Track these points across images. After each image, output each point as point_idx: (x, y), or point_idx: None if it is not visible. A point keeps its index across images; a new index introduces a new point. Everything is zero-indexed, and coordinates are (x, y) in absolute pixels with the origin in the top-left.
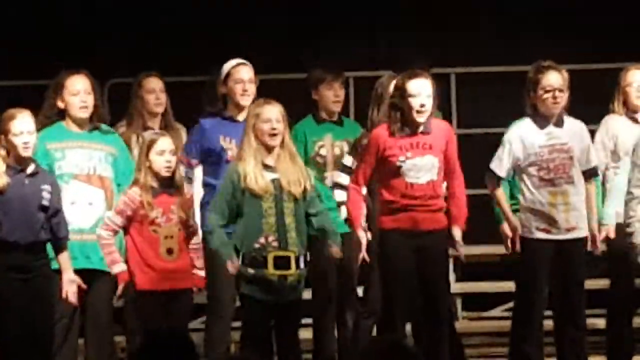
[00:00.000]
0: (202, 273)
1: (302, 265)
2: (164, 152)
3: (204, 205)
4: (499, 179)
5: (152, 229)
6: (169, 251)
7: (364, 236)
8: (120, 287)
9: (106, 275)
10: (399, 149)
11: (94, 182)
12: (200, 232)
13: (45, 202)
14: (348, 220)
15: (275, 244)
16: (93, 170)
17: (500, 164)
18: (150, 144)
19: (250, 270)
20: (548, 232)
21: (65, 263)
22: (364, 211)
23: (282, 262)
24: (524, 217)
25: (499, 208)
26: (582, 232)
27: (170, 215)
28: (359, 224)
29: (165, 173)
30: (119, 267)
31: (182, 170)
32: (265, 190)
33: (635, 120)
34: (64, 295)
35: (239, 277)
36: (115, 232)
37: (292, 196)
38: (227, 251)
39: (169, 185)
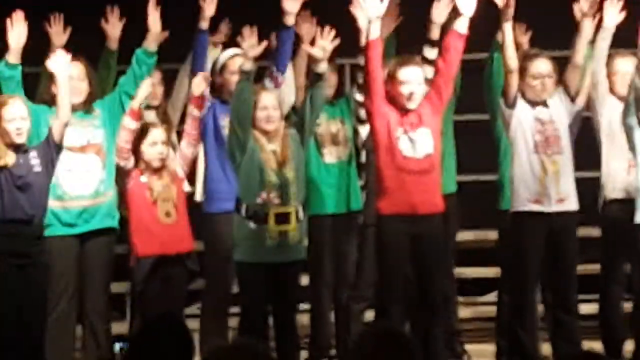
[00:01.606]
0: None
1: (301, 216)
2: (156, 144)
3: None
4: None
5: (148, 193)
6: (167, 214)
7: None
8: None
9: (103, 234)
10: (395, 122)
11: (88, 150)
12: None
13: (37, 169)
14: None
15: (277, 200)
16: (86, 142)
17: None
18: (142, 134)
19: (252, 225)
20: (539, 203)
21: None
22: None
23: (282, 218)
24: (515, 191)
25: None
26: (573, 205)
27: (164, 181)
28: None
29: (157, 164)
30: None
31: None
32: (267, 158)
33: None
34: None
35: (238, 230)
36: None
37: (290, 158)
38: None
39: (160, 172)
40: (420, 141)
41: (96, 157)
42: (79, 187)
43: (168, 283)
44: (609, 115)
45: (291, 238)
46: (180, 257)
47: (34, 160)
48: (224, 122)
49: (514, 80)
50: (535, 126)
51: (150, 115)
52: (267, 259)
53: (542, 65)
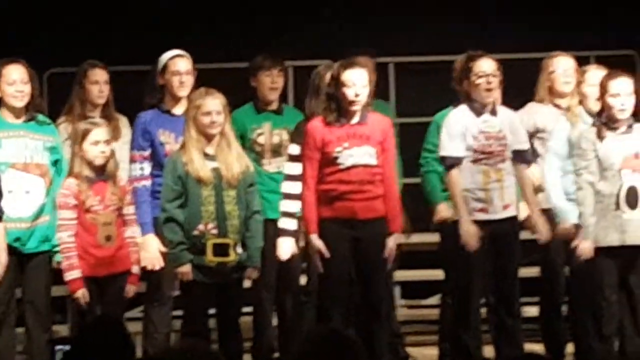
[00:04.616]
0: (136, 270)
1: (239, 250)
2: (99, 143)
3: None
4: (457, 161)
5: (90, 216)
6: (108, 238)
7: (321, 243)
8: (78, 294)
9: (42, 257)
10: (336, 140)
11: (32, 170)
12: (137, 228)
13: None
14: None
15: (214, 231)
16: (30, 159)
17: (453, 147)
18: (84, 134)
19: (189, 256)
20: (485, 211)
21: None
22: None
23: (221, 249)
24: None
25: (451, 192)
26: (516, 210)
27: (107, 202)
28: (314, 229)
29: (99, 162)
30: (72, 275)
31: (134, 167)
32: (206, 178)
33: (558, 107)
34: None
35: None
36: (74, 229)
37: (233, 184)
38: (183, 257)
39: (103, 173)
40: (362, 158)
41: (40, 179)
42: (19, 209)
43: (104, 299)
44: (542, 123)
45: (230, 265)
46: (117, 275)
47: None
48: (162, 137)
49: None
50: (480, 138)
51: (95, 112)
52: (208, 280)
53: (486, 64)
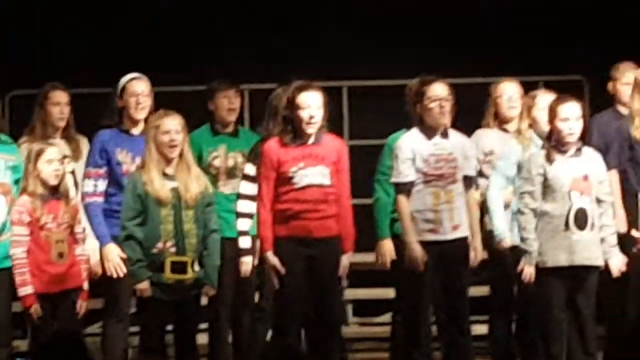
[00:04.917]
0: (87, 286)
1: (197, 268)
2: (52, 161)
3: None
4: (407, 186)
5: (43, 234)
6: (60, 255)
7: (276, 260)
8: (32, 309)
9: (3, 274)
10: (292, 160)
11: None
12: (89, 244)
13: None
14: (259, 242)
15: (173, 249)
16: None
17: (403, 172)
18: (38, 153)
19: (148, 273)
20: (435, 232)
21: None
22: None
23: (178, 267)
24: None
25: (399, 217)
26: (465, 231)
27: (60, 220)
28: (270, 247)
29: (53, 181)
30: (26, 291)
31: (88, 183)
32: (165, 198)
33: (505, 131)
34: None
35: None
36: (27, 245)
37: (191, 204)
38: (142, 273)
39: (57, 192)
40: (317, 175)
41: (2, 197)
42: None
43: (58, 309)
44: (489, 146)
45: (187, 282)
46: (70, 291)
47: None
48: (120, 156)
49: None
50: (430, 161)
51: (56, 134)
52: (166, 297)
53: (438, 89)
